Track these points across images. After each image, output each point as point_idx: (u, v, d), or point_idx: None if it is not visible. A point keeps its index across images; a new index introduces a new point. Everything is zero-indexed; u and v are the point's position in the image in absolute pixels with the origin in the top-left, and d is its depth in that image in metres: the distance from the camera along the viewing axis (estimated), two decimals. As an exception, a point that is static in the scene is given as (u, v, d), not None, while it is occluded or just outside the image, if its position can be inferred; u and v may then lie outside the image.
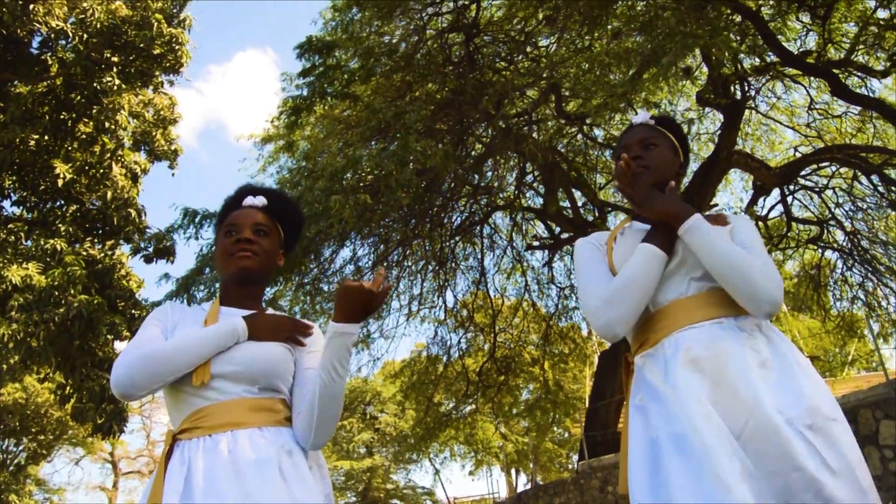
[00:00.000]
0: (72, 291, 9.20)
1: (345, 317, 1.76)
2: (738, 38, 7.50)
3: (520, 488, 27.92)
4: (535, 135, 8.50)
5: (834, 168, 9.49)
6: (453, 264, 10.93)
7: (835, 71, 7.82)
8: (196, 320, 1.86)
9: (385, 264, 9.89)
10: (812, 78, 8.74)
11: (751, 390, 1.56)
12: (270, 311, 1.98)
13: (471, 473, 29.73)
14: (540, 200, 10.36)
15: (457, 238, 10.52)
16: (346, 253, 9.70)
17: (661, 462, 1.55)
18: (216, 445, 1.64)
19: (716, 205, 9.95)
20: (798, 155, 9.81)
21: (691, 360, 1.64)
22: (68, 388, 10.52)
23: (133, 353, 1.71)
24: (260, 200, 2.01)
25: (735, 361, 1.61)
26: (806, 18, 8.10)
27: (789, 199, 9.80)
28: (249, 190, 2.06)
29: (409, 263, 10.51)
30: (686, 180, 10.18)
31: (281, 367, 1.81)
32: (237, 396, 1.74)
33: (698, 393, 1.58)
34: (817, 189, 9.81)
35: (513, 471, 29.25)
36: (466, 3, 8.68)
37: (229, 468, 1.60)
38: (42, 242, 9.70)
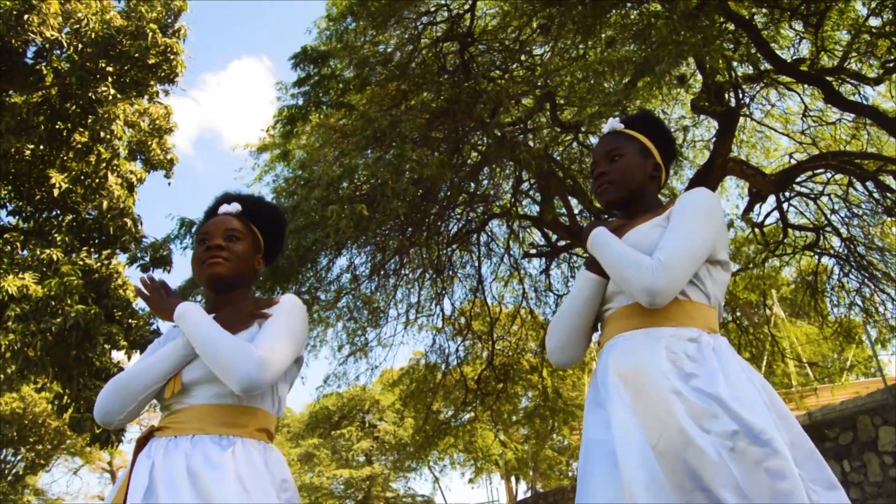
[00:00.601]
0: (68, 301, 9.20)
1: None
2: (732, 46, 7.53)
3: (520, 496, 27.87)
4: (530, 143, 8.52)
5: (829, 175, 9.51)
6: (450, 272, 10.93)
7: (828, 78, 7.85)
8: (177, 334, 1.92)
9: (382, 272, 9.90)
10: (806, 85, 8.76)
11: (665, 404, 1.54)
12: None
13: (470, 481, 29.64)
14: (536, 208, 10.36)
15: (454, 246, 10.52)
16: (342, 262, 9.71)
17: (589, 463, 1.59)
18: (177, 447, 1.69)
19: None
20: (793, 162, 9.83)
21: (617, 368, 1.68)
22: (66, 397, 10.51)
23: (109, 382, 1.81)
24: (234, 207, 2.05)
25: (653, 373, 1.61)
26: (799, 26, 8.13)
27: (785, 205, 9.81)
28: (225, 198, 2.10)
29: (407, 272, 10.51)
30: (682, 187, 10.21)
31: None
32: (208, 402, 1.77)
33: (623, 401, 1.62)
34: (813, 196, 9.82)
35: (512, 478, 29.17)
36: (461, 12, 8.72)
37: (184, 473, 1.63)
38: (38, 252, 9.70)
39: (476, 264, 11.01)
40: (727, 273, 1.84)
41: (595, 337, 1.95)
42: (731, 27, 7.48)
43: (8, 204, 11.19)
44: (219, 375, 1.71)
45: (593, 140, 9.72)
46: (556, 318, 1.85)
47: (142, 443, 1.74)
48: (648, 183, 1.97)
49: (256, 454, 1.75)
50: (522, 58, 8.71)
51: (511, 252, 11.08)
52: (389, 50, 8.61)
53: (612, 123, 2.07)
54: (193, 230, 7.75)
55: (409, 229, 8.94)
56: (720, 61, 6.68)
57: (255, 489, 1.66)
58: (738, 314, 11.19)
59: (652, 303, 1.66)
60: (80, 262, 10.23)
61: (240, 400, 1.78)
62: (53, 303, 9.17)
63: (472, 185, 9.45)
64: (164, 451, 1.68)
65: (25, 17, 9.30)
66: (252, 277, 2.07)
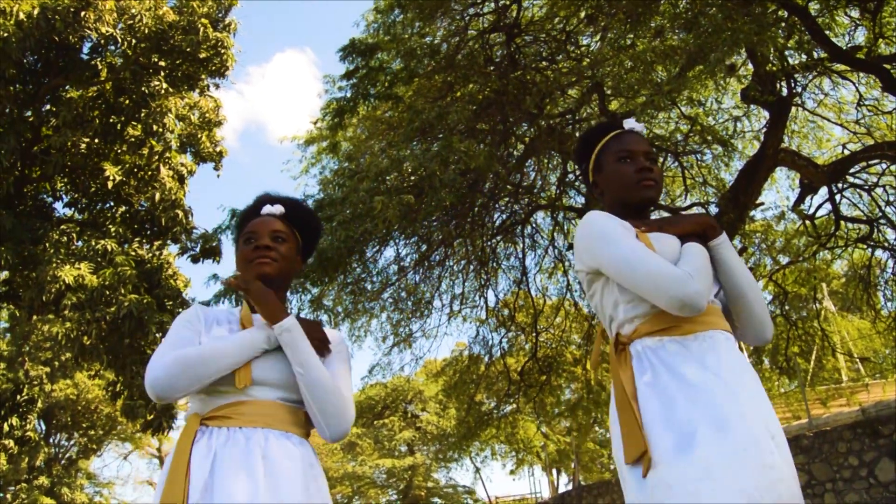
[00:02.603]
0: (122, 291, 9.44)
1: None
2: (785, 34, 7.38)
3: (561, 488, 27.81)
4: (577, 134, 8.47)
5: (884, 165, 9.27)
6: (495, 264, 10.93)
7: (886, 66, 7.65)
8: (230, 321, 1.95)
9: (427, 263, 9.95)
10: (861, 74, 8.55)
11: (764, 401, 1.68)
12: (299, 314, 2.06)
13: (512, 473, 29.70)
14: (582, 200, 10.31)
15: (498, 238, 10.52)
16: (389, 252, 9.78)
17: (697, 442, 1.56)
18: (248, 440, 1.70)
19: (762, 203, 9.80)
20: (846, 152, 9.60)
21: (730, 361, 1.70)
22: (119, 385, 10.79)
23: (169, 355, 1.78)
24: (278, 209, 2.08)
25: (749, 370, 1.73)
26: (855, 13, 7.93)
27: (837, 197, 9.59)
28: (267, 199, 2.13)
29: (451, 263, 10.54)
30: (731, 178, 10.06)
31: None
32: (274, 400, 1.81)
33: (743, 388, 1.66)
34: (867, 187, 9.59)
35: (554, 471, 29.12)
36: (507, 3, 8.69)
37: (260, 465, 1.66)
38: (93, 243, 9.96)
39: (520, 256, 11.00)
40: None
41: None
42: (785, 14, 7.33)
43: (64, 196, 11.52)
44: (316, 414, 1.78)
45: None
46: (702, 269, 1.77)
47: (193, 431, 1.73)
48: None
49: (313, 455, 1.82)
50: (570, 48, 8.66)
51: (556, 244, 11.04)
52: (436, 41, 8.63)
53: (640, 126, 2.08)
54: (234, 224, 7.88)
55: (454, 221, 8.96)
56: (773, 50, 6.56)
57: (314, 488, 1.73)
58: (787, 308, 11.00)
59: (763, 342, 1.87)
60: (133, 253, 10.48)
61: (299, 403, 1.83)
62: (108, 292, 9.41)
63: (518, 176, 9.43)
64: (231, 442, 1.69)
65: (82, 13, 9.55)
66: (293, 278, 2.13)
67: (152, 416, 10.49)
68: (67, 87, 10.68)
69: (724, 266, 1.84)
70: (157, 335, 10.04)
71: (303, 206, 2.18)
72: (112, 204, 11.43)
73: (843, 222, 9.87)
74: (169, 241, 11.42)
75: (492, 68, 8.56)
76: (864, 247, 10.15)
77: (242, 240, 2.03)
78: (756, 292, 1.83)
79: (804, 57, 7.96)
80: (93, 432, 27.06)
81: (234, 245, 2.18)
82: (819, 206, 9.99)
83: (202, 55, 10.44)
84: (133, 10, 10.01)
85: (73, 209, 11.53)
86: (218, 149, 12.20)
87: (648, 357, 1.75)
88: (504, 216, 10.37)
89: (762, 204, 9.86)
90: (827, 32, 7.47)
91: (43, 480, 21.77)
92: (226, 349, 1.79)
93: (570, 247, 11.28)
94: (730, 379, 1.64)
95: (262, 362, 1.82)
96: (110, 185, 10.49)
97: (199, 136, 11.85)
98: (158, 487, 1.68)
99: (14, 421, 16.19)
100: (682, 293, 1.67)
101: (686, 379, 1.66)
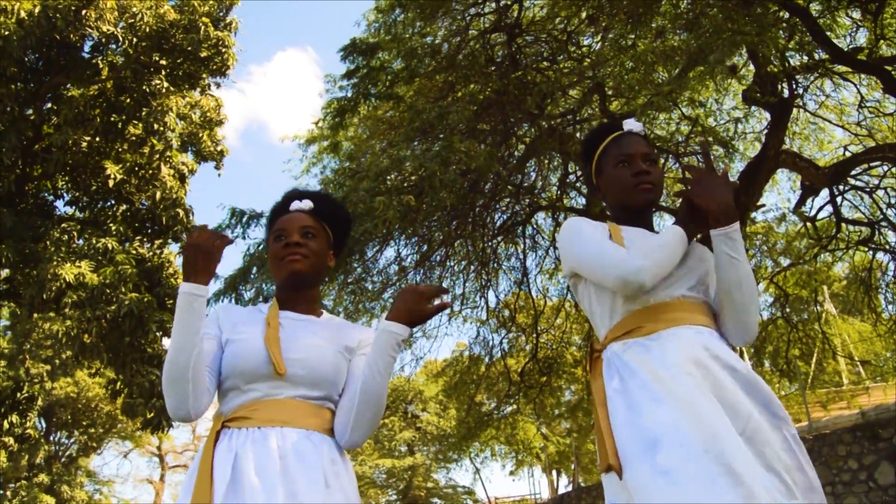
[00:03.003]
0: (122, 289, 9.45)
1: (396, 316, 1.81)
2: (787, 35, 7.37)
3: (561, 490, 27.79)
4: (578, 135, 8.46)
5: (885, 168, 9.25)
6: (495, 265, 10.92)
7: (887, 68, 7.64)
8: (255, 321, 1.92)
9: (427, 264, 9.94)
10: (863, 75, 8.53)
11: (739, 395, 1.64)
12: (325, 314, 2.04)
13: (511, 473, 29.69)
14: (583, 201, 10.30)
15: (499, 238, 10.52)
16: (389, 253, 9.77)
17: (659, 447, 1.56)
18: (265, 439, 1.69)
19: (763, 205, 9.78)
20: (848, 154, 9.59)
21: (694, 357, 1.68)
22: (119, 383, 10.80)
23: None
24: (306, 204, 2.07)
25: (729, 366, 1.70)
26: (856, 14, 7.92)
27: (839, 199, 9.57)
28: (296, 194, 2.11)
29: (452, 263, 10.54)
30: (733, 179, 10.02)
31: (340, 377, 1.87)
32: (292, 397, 1.80)
33: (702, 388, 1.62)
34: (868, 189, 9.56)
35: (554, 472, 29.11)
36: (508, 3, 8.68)
37: (277, 464, 1.65)
38: (94, 241, 9.98)
39: (521, 257, 10.99)
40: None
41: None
42: (786, 15, 7.32)
43: (65, 194, 11.54)
44: (352, 419, 1.80)
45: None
46: (654, 248, 1.75)
47: (217, 433, 1.73)
48: None
49: (337, 451, 1.80)
50: (571, 48, 8.65)
51: (556, 245, 11.03)
52: (437, 41, 8.62)
53: (640, 126, 2.06)
54: (244, 220, 7.87)
55: (455, 221, 8.95)
56: (774, 51, 6.55)
57: (338, 485, 1.71)
58: (788, 310, 10.99)
59: (746, 343, 1.84)
60: (134, 252, 10.50)
61: (322, 400, 1.83)
62: (108, 290, 9.42)
63: (519, 177, 9.42)
64: (250, 442, 1.69)
65: (83, 12, 9.56)
66: (325, 275, 2.13)
67: (152, 415, 10.49)
68: (69, 85, 10.70)
69: (717, 259, 1.81)
70: (158, 334, 10.06)
71: (332, 200, 2.17)
72: (113, 202, 11.45)
73: (844, 224, 9.85)
74: (170, 240, 11.44)
75: (493, 68, 8.56)
76: (866, 249, 10.13)
77: (273, 237, 2.02)
78: (744, 293, 1.78)
79: (805, 58, 7.94)
80: (93, 430, 27.08)
81: (265, 244, 2.18)
82: (820, 209, 9.98)
83: (203, 54, 10.46)
84: (134, 9, 10.03)
85: (73, 207, 11.55)
86: (219, 148, 12.22)
87: (615, 363, 1.77)
88: (505, 217, 10.37)
89: (763, 206, 9.84)
90: (828, 34, 7.46)
91: (43, 478, 21.80)
92: (173, 337, 1.76)
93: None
94: (686, 380, 1.63)
95: (289, 358, 1.81)
96: (111, 183, 10.51)
97: (200, 135, 11.87)
98: (186, 490, 1.68)
99: (14, 418, 16.17)
100: (620, 270, 1.72)
101: (646, 382, 1.66)
